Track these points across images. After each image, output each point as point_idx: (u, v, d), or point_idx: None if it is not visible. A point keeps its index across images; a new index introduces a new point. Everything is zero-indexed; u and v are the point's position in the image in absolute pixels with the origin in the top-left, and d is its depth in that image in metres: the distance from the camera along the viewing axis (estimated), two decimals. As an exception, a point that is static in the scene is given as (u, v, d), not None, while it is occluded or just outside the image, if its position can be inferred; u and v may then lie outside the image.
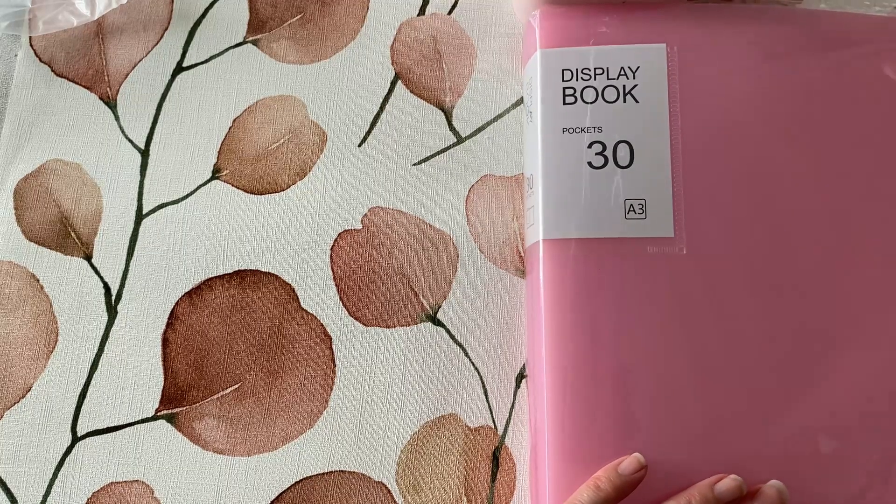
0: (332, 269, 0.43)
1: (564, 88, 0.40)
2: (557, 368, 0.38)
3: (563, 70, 0.40)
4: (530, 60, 0.42)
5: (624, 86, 0.40)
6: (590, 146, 0.39)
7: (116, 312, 0.43)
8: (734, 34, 0.41)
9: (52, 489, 0.41)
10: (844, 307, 0.38)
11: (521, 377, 0.42)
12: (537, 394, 0.39)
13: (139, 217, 0.44)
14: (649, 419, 0.37)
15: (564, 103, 0.40)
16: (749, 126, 0.40)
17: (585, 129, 0.39)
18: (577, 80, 0.40)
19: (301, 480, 0.41)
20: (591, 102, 0.40)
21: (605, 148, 0.39)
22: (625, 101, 0.40)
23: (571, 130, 0.40)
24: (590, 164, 0.39)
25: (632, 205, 0.39)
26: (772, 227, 0.39)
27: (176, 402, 0.42)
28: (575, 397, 0.37)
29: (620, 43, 0.40)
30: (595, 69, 0.40)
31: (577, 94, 0.40)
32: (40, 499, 0.41)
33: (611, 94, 0.40)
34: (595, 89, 0.40)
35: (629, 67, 0.40)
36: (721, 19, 0.41)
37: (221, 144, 0.45)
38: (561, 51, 0.41)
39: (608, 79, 0.40)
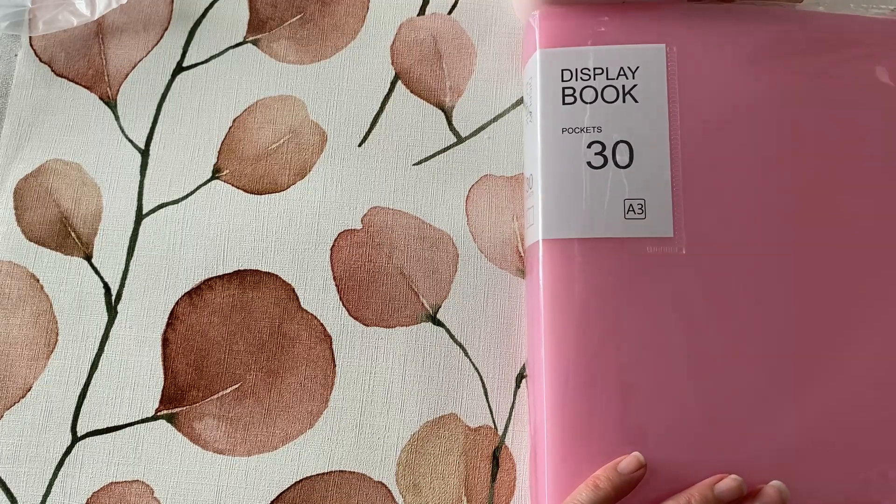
0: (332, 269, 0.43)
1: (564, 88, 0.40)
2: (557, 368, 0.38)
3: (562, 70, 0.40)
4: (530, 60, 0.42)
5: (623, 86, 0.40)
6: (589, 146, 0.39)
7: (116, 312, 0.43)
8: (734, 35, 0.41)
9: (52, 489, 0.41)
10: (844, 307, 0.38)
11: (521, 377, 0.42)
12: (537, 394, 0.39)
13: (139, 217, 0.44)
14: (648, 419, 0.37)
15: (564, 103, 0.40)
16: (749, 126, 0.40)
17: (585, 129, 0.39)
18: (576, 79, 0.40)
19: (301, 480, 0.41)
20: (591, 102, 0.40)
21: (604, 148, 0.39)
22: (624, 101, 0.40)
23: (571, 130, 0.40)
24: (589, 163, 0.39)
25: (631, 205, 0.39)
26: (771, 227, 0.39)
27: (176, 402, 0.42)
28: (574, 397, 0.37)
29: (620, 43, 0.40)
30: (594, 69, 0.40)
31: (577, 94, 0.40)
32: (40, 499, 0.41)
33: (610, 94, 0.40)
34: (594, 89, 0.40)
35: (628, 67, 0.40)
36: (721, 20, 0.41)
37: (221, 144, 0.45)
38: (560, 51, 0.41)
39: (607, 79, 0.40)
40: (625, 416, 0.37)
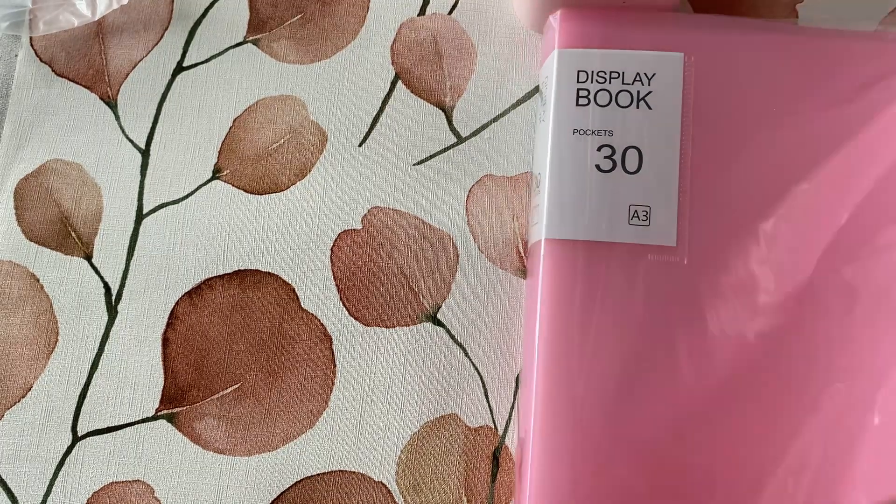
0: (333, 269, 0.43)
1: (579, 90, 0.40)
2: (548, 371, 0.37)
3: (578, 71, 0.40)
4: (547, 59, 0.41)
5: (638, 91, 0.40)
6: (599, 149, 0.39)
7: (116, 312, 0.43)
8: (753, 48, 0.40)
9: (53, 489, 0.41)
10: (853, 332, 0.37)
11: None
12: (527, 398, 0.38)
13: (139, 217, 0.44)
14: (637, 430, 0.37)
15: (577, 104, 0.40)
16: (763, 142, 0.39)
17: (596, 132, 0.39)
18: (591, 82, 0.40)
19: (301, 480, 0.41)
20: (604, 106, 0.39)
21: (614, 152, 0.39)
22: (638, 107, 0.39)
23: (582, 132, 0.39)
24: (597, 166, 0.39)
25: (636, 211, 0.38)
26: (778, 241, 0.38)
27: (176, 401, 0.42)
28: (563, 402, 0.37)
29: (639, 48, 0.40)
30: (611, 72, 0.40)
31: (591, 97, 0.40)
32: (41, 499, 0.41)
33: (624, 99, 0.39)
34: (609, 93, 0.40)
35: (645, 73, 0.40)
36: (741, 33, 0.41)
37: (222, 144, 0.45)
38: (578, 52, 0.40)
39: (623, 83, 0.40)
40: (613, 428, 0.37)
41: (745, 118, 0.40)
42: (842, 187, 0.39)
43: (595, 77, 0.40)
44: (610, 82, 0.40)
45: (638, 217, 0.38)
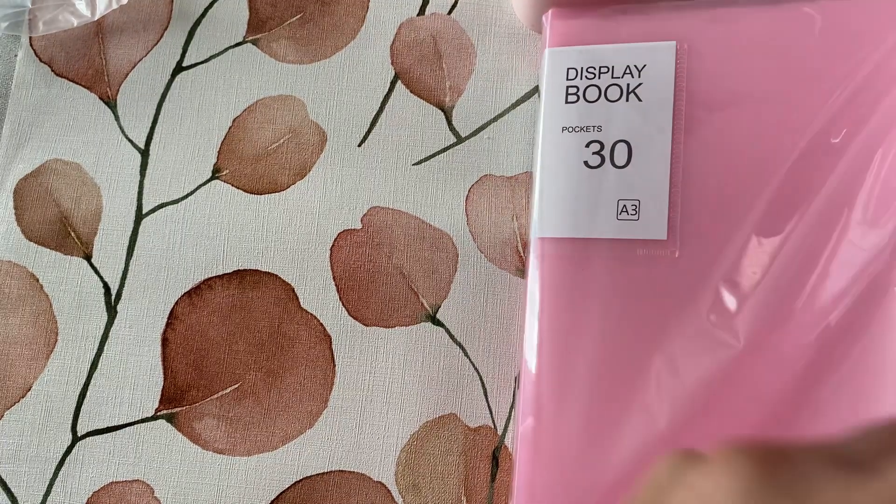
0: (332, 269, 0.43)
1: (568, 87, 0.40)
2: (540, 368, 0.37)
3: (567, 69, 0.40)
4: (541, 59, 0.41)
5: (628, 84, 0.39)
6: (587, 145, 0.39)
7: (116, 312, 0.43)
8: (754, 26, 0.39)
9: (53, 489, 0.41)
10: (850, 329, 0.36)
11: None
12: (519, 397, 0.38)
13: (139, 217, 0.44)
14: (621, 431, 0.36)
15: (567, 102, 0.39)
16: (761, 126, 0.38)
17: (584, 129, 0.39)
18: (581, 78, 0.39)
19: (301, 480, 0.41)
20: (593, 101, 0.39)
21: (602, 147, 0.39)
22: (627, 100, 0.39)
23: (571, 129, 0.39)
24: (586, 163, 0.38)
25: (625, 205, 0.38)
26: (772, 236, 0.37)
27: (176, 401, 0.42)
28: (555, 401, 0.36)
29: (630, 41, 0.40)
30: (600, 67, 0.39)
31: (580, 93, 0.39)
32: (41, 498, 0.41)
33: (614, 93, 0.39)
34: (598, 88, 0.39)
35: (635, 66, 0.39)
36: (741, 10, 0.39)
37: (221, 144, 0.45)
38: (567, 49, 0.40)
39: (612, 77, 0.39)
40: (605, 424, 0.36)
41: (744, 101, 0.38)
42: (848, 177, 0.37)
43: (584, 73, 0.39)
44: (599, 77, 0.39)
45: (627, 211, 0.38)
